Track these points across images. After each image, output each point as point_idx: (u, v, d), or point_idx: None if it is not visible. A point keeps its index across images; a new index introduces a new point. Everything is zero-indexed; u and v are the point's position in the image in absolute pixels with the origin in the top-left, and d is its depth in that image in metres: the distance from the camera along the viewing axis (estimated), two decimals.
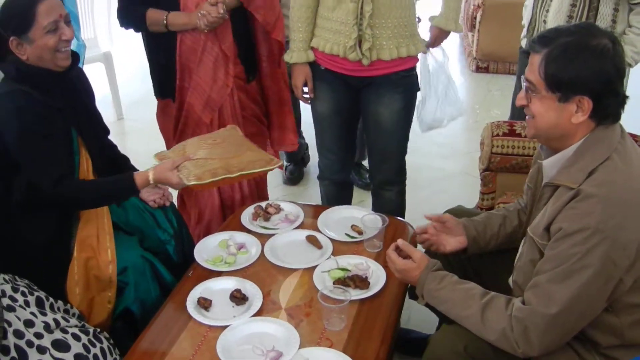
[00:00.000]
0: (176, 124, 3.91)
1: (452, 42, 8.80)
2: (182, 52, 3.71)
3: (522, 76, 2.48)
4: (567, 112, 2.34)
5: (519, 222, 2.95)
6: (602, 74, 2.29)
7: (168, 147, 4.03)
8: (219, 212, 3.97)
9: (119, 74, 6.64)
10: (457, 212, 3.22)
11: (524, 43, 4.13)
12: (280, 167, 3.34)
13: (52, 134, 2.98)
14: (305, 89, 3.77)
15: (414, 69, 3.70)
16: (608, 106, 2.35)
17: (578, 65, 2.28)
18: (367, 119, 3.78)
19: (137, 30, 3.80)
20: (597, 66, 2.28)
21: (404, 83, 3.65)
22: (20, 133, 2.91)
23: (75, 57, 3.15)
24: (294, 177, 5.41)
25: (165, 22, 3.62)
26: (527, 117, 2.50)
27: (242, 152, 3.22)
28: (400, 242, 2.77)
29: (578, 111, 2.33)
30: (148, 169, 3.11)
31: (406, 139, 3.83)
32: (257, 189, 4.11)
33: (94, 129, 3.31)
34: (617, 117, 2.41)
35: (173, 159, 3.15)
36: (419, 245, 3.08)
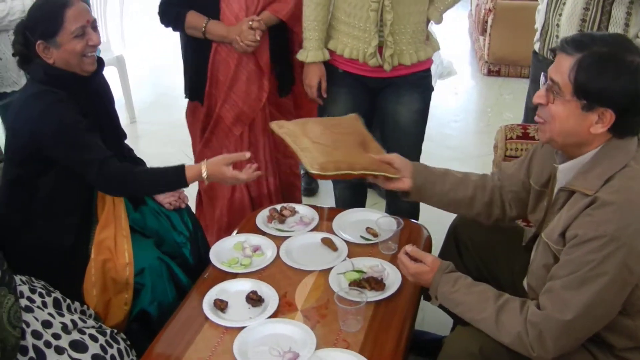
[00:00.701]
0: (203, 129, 3.93)
1: (464, 45, 8.85)
2: (215, 61, 3.72)
3: (543, 74, 2.47)
4: (588, 121, 2.33)
5: (489, 198, 2.97)
6: (632, 90, 2.26)
7: (194, 147, 4.06)
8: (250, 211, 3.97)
9: (131, 77, 6.66)
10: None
11: (537, 47, 4.13)
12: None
13: (83, 124, 2.97)
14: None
15: (429, 69, 3.74)
16: (629, 123, 2.34)
17: (611, 77, 2.25)
18: (385, 119, 3.80)
19: (174, 29, 3.81)
20: (629, 82, 2.26)
21: (422, 83, 3.70)
22: (57, 126, 2.90)
23: (101, 62, 3.17)
24: (312, 187, 5.28)
25: (203, 29, 3.62)
26: (537, 119, 2.49)
27: (366, 150, 3.14)
28: (409, 247, 2.76)
29: (599, 122, 2.32)
30: (201, 162, 3.06)
31: (422, 139, 3.87)
32: (289, 193, 4.14)
33: (115, 133, 3.33)
34: (636, 132, 2.40)
35: (229, 155, 3.10)
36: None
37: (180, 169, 3.02)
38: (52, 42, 2.95)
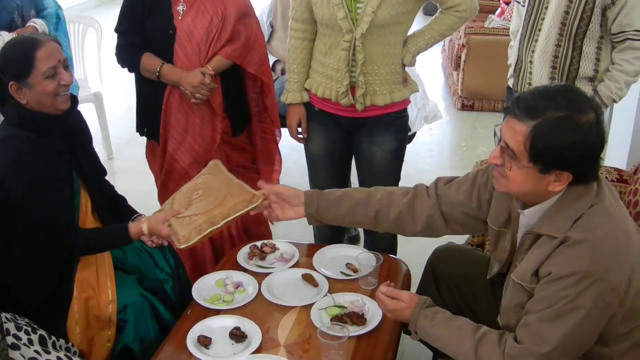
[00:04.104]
0: (160, 169, 3.97)
1: (437, 80, 8.93)
2: (169, 103, 3.76)
3: (496, 128, 2.49)
4: (546, 181, 2.36)
5: (396, 217, 3.00)
6: (589, 150, 2.29)
7: (157, 185, 4.08)
8: (212, 257, 4.04)
9: (108, 114, 6.68)
10: (447, 248, 3.27)
11: (510, 83, 4.18)
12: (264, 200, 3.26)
13: (55, 178, 3.02)
14: (300, 129, 3.83)
15: (405, 110, 3.75)
16: (587, 174, 2.37)
17: (567, 144, 2.25)
18: (359, 160, 3.84)
19: (130, 70, 3.83)
20: (585, 144, 2.27)
21: (396, 124, 3.70)
22: (24, 181, 2.95)
23: (74, 100, 3.20)
24: None
25: (157, 72, 3.66)
26: (495, 171, 2.51)
27: (222, 198, 3.19)
28: (383, 288, 2.80)
29: (557, 181, 2.35)
30: (142, 221, 3.20)
31: (398, 178, 3.88)
32: (258, 228, 4.16)
33: (93, 169, 3.36)
34: (595, 177, 2.41)
35: (165, 211, 3.24)
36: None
37: (125, 228, 3.18)
38: (24, 83, 2.97)
